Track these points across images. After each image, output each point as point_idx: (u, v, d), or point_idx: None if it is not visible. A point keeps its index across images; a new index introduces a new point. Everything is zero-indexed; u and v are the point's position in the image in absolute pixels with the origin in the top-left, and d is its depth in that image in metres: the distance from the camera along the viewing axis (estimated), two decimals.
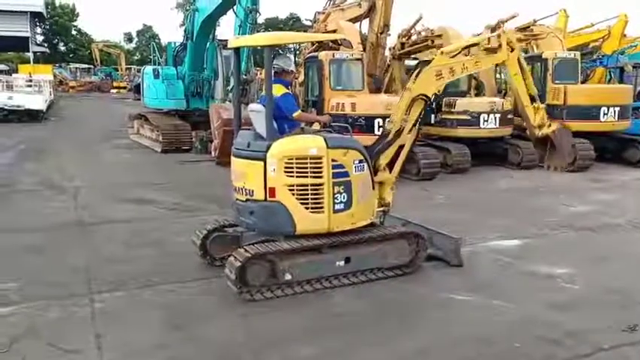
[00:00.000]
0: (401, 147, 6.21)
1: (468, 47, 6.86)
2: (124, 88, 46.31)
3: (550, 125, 7.12)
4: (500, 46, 6.66)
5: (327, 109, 11.05)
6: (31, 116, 21.67)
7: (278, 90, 5.73)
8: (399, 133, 6.10)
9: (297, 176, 5.29)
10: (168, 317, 4.80)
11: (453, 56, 6.38)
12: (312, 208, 5.33)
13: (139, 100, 20.23)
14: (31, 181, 10.79)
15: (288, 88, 5.94)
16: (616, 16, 18.17)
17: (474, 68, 6.79)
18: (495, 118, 12.36)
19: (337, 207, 5.39)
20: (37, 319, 4.73)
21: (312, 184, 5.31)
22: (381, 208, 6.09)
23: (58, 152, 14.38)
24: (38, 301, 5.05)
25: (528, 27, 14.46)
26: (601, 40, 18.43)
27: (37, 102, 22.57)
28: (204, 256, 5.98)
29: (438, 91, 6.40)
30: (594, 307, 5.10)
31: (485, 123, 12.25)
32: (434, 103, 6.38)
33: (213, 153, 12.84)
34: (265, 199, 5.33)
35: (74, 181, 10.62)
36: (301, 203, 5.31)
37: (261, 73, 21.18)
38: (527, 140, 13.10)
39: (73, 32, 64.27)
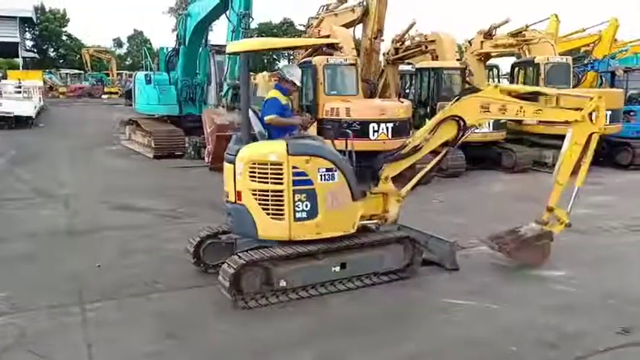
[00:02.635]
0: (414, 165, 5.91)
1: (534, 94, 6.31)
2: (116, 93, 46.06)
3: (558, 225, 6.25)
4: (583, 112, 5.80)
5: (321, 114, 11.03)
6: (20, 123, 21.47)
7: (270, 94, 5.84)
8: (415, 149, 5.72)
9: (258, 181, 5.28)
10: (162, 325, 4.73)
11: (517, 96, 5.85)
12: (272, 214, 5.27)
13: (131, 105, 20.13)
14: (22, 188, 10.65)
15: (285, 95, 5.92)
16: (607, 21, 18.34)
17: (532, 116, 5.98)
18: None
19: (298, 215, 5.24)
20: (27, 328, 4.64)
21: (272, 190, 5.24)
22: (374, 221, 5.78)
23: (48, 159, 14.23)
24: (28, 311, 4.96)
25: (520, 32, 14.55)
26: (592, 44, 18.59)
27: (26, 108, 22.36)
28: (198, 263, 5.91)
29: (479, 125, 5.94)
30: (589, 309, 5.12)
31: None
32: (463, 131, 5.77)
33: (206, 159, 12.76)
34: (235, 202, 5.41)
35: (65, 188, 10.50)
36: (262, 209, 5.28)
37: (253, 78, 21.17)
38: (520, 144, 13.20)
39: (63, 37, 63.90)
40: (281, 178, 5.21)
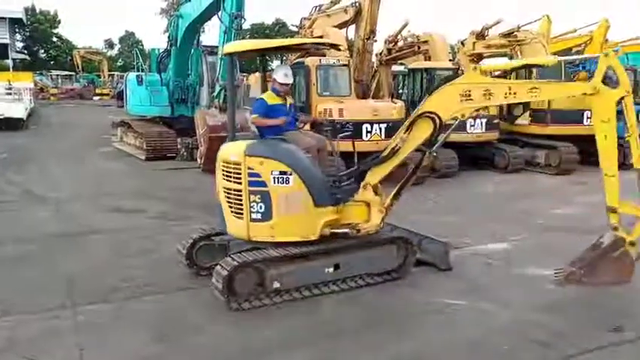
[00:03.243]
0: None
1: (520, 68, 5.37)
2: (107, 95, 45.84)
3: None
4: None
5: (314, 115, 11.01)
6: (11, 125, 21.31)
7: (263, 94, 5.88)
8: (394, 151, 5.33)
9: (225, 180, 5.46)
10: (155, 328, 4.70)
11: (498, 76, 5.02)
12: (234, 212, 5.41)
13: (122, 107, 20.03)
14: (13, 190, 10.56)
15: (279, 96, 5.88)
16: (598, 22, 18.46)
17: (527, 97, 4.90)
18: (482, 123, 12.46)
19: (254, 216, 5.28)
20: (18, 332, 4.60)
21: (234, 190, 5.39)
22: (345, 230, 5.46)
23: (40, 161, 14.13)
24: (19, 314, 4.91)
25: (512, 33, 14.61)
26: (583, 45, 18.69)
27: (17, 110, 22.18)
28: (191, 265, 5.88)
29: (462, 116, 5.12)
30: (581, 308, 5.14)
31: (472, 128, 12.35)
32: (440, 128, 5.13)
33: (199, 160, 12.71)
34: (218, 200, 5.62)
35: (57, 191, 10.41)
36: (229, 206, 5.45)
37: (247, 79, 21.12)
38: (513, 144, 13.26)
39: (54, 39, 63.49)
40: (239, 178, 5.31)
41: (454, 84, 5.00)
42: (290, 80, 5.91)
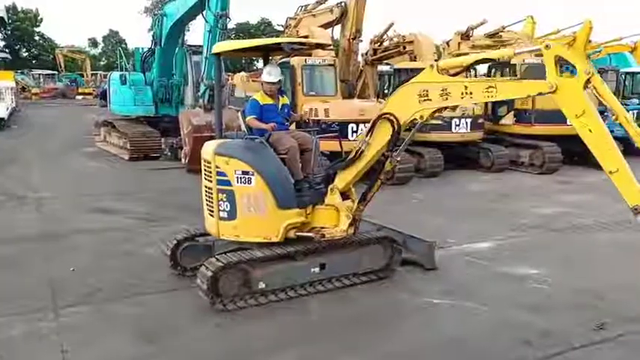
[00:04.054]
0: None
1: (478, 63, 4.90)
2: (90, 94, 45.31)
3: None
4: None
5: (300, 115, 10.99)
6: None
7: (254, 95, 5.92)
8: (358, 153, 5.13)
9: (203, 178, 5.58)
10: (139, 330, 4.64)
11: (455, 74, 4.62)
12: (208, 210, 5.53)
13: (106, 106, 19.80)
14: None
15: (269, 95, 5.84)
16: (581, 23, 18.66)
17: (483, 96, 4.38)
18: (466, 122, 12.51)
19: (222, 214, 5.36)
20: (1, 335, 4.51)
21: (207, 187, 5.50)
22: (310, 234, 5.35)
23: (22, 162, 13.90)
24: (2, 317, 4.83)
25: (497, 33, 14.74)
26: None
27: None
28: (175, 266, 5.82)
29: (421, 118, 4.69)
30: (565, 306, 5.19)
31: (457, 127, 12.40)
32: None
33: (183, 160, 12.61)
34: None
35: (39, 192, 10.25)
36: (205, 204, 5.58)
37: (231, 79, 21.00)
38: (498, 144, 13.36)
39: (36, 38, 62.60)
40: (210, 176, 5.40)
41: (412, 83, 4.71)
42: (274, 78, 5.81)
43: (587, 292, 5.49)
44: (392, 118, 4.80)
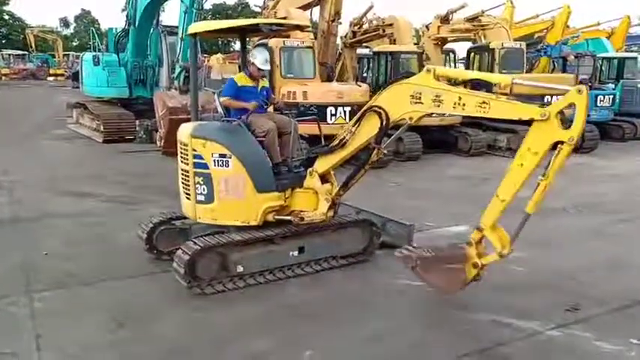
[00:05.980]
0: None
1: (474, 81, 4.97)
2: (62, 75, 44.22)
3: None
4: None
5: (278, 98, 10.87)
6: None
7: (234, 76, 5.88)
8: (342, 142, 5.10)
9: (180, 161, 5.51)
10: (114, 315, 4.56)
11: (455, 83, 4.58)
12: (185, 193, 5.48)
13: (78, 88, 19.32)
14: None
15: (251, 78, 5.78)
16: (560, 8, 18.85)
17: (475, 110, 4.38)
18: None
19: (199, 198, 5.31)
20: None
21: (183, 170, 5.44)
22: (289, 217, 5.32)
23: None
24: None
25: (476, 17, 14.73)
26: (545, 30, 19.08)
27: None
28: (151, 250, 5.73)
29: (410, 119, 4.67)
30: (541, 289, 5.28)
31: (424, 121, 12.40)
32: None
33: (158, 143, 12.39)
34: None
35: (9, 175, 9.96)
36: (182, 187, 5.52)
37: (208, 60, 20.63)
38: (476, 128, 13.45)
39: (5, 17, 60.56)
40: (187, 159, 5.33)
41: (407, 83, 4.67)
42: (268, 66, 5.89)
43: (562, 274, 5.60)
44: (381, 111, 4.78)
